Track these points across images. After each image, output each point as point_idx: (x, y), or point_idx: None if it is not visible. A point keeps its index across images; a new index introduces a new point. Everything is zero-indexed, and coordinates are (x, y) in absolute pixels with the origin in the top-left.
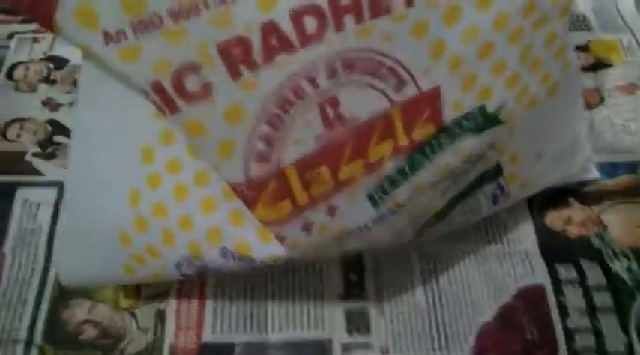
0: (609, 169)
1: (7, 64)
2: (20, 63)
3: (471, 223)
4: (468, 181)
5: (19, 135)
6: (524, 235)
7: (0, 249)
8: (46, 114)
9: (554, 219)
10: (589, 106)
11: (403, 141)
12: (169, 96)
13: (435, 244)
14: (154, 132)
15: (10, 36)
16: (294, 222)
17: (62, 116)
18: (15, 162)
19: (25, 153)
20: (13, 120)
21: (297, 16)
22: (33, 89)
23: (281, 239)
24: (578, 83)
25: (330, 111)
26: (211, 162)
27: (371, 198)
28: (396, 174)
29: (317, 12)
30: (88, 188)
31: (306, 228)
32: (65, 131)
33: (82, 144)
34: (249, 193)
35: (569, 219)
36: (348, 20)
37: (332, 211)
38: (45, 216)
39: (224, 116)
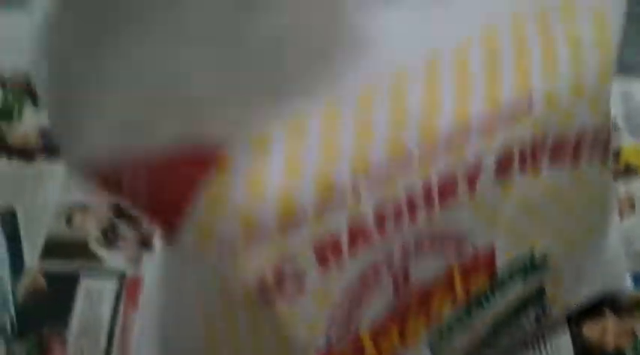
0: None
1: None
2: None
3: (515, 343)
4: (512, 309)
5: (83, 223)
6: (563, 346)
7: (63, 335)
8: (110, 203)
9: (590, 330)
10: (620, 214)
11: (461, 295)
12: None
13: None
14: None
15: None
16: None
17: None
18: (79, 250)
19: (88, 241)
20: (78, 208)
21: (379, 212)
22: None
23: None
24: (614, 201)
25: (400, 281)
26: (300, 335)
27: (431, 347)
28: (455, 323)
29: (395, 206)
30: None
31: None
32: (128, 220)
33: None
34: None
35: (605, 331)
36: (422, 210)
37: None
38: (106, 306)
39: (316, 299)
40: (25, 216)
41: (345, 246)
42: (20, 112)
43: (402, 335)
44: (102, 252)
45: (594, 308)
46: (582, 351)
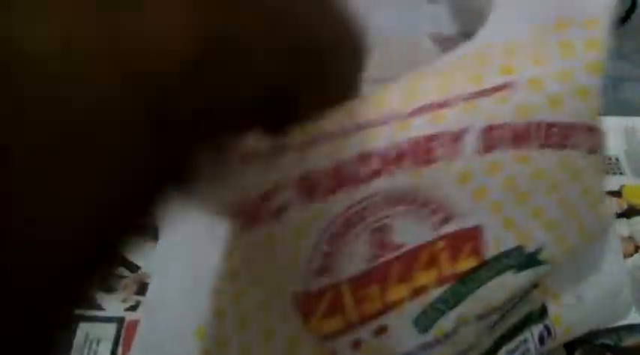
0: None
1: None
2: None
3: None
4: (513, 321)
5: None
6: None
7: None
8: None
9: None
10: (623, 255)
11: (447, 271)
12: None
13: None
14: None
15: None
16: (345, 339)
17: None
18: None
19: None
20: None
21: (362, 158)
22: None
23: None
24: (614, 233)
25: (380, 237)
26: (279, 273)
27: (417, 323)
28: (440, 302)
29: (378, 155)
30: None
31: (356, 345)
32: (126, 263)
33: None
34: (307, 304)
35: None
36: (404, 164)
37: (380, 331)
38: (105, 352)
39: (294, 232)
40: None
41: (327, 183)
42: None
43: (383, 299)
44: (101, 297)
45: (597, 352)
46: None
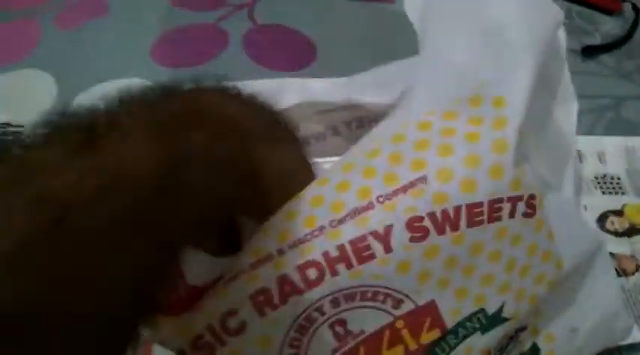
0: None
1: None
2: None
3: None
4: None
5: None
6: None
7: None
8: None
9: None
10: (625, 273)
11: (413, 346)
12: (218, 334)
13: None
14: None
15: None
16: None
17: None
18: None
19: None
20: None
21: (302, 270)
22: None
23: None
24: (602, 261)
25: (339, 329)
26: None
27: None
28: None
29: (315, 265)
30: None
31: None
32: None
33: None
34: None
35: None
36: (341, 268)
37: None
38: None
39: (257, 343)
40: None
41: (276, 297)
42: None
43: None
44: None
45: None
46: None
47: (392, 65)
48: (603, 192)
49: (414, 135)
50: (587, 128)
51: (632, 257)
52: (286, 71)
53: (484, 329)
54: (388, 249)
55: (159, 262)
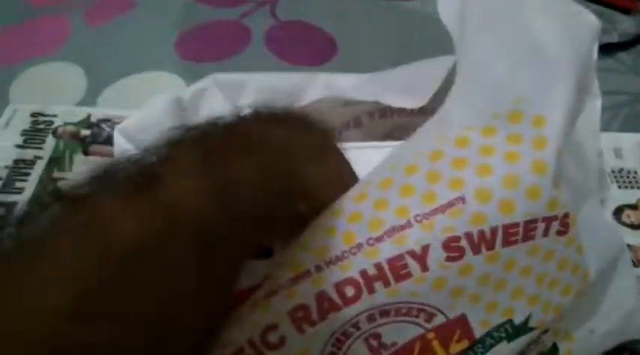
0: None
1: None
2: None
3: None
4: None
5: None
6: None
7: None
8: None
9: None
10: (637, 264)
11: None
12: (259, 347)
13: None
14: None
15: None
16: None
17: None
18: None
19: None
20: None
21: (339, 287)
22: None
23: None
24: (624, 263)
25: (373, 343)
26: None
27: None
28: None
29: (353, 283)
30: None
31: None
32: None
33: None
34: None
35: None
36: (378, 286)
37: None
38: None
39: None
40: None
41: (314, 313)
42: (71, 161)
43: None
44: None
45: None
46: None
47: (418, 65)
48: (619, 186)
49: (452, 152)
50: (603, 124)
51: None
52: (308, 66)
53: (510, 338)
54: (424, 269)
55: (221, 298)
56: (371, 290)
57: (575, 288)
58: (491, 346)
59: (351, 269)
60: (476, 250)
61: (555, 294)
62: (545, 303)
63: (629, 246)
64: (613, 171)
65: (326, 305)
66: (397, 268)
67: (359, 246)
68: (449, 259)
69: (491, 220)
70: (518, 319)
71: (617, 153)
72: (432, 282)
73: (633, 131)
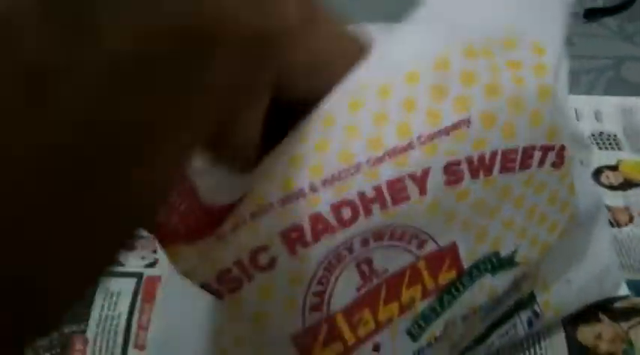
0: (639, 286)
1: None
2: None
3: (509, 346)
4: (503, 310)
5: None
6: (557, 350)
7: (83, 334)
8: None
9: (585, 334)
10: (618, 224)
11: (431, 286)
12: (247, 269)
13: None
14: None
15: None
16: None
17: None
18: None
19: None
20: None
21: (335, 208)
22: None
23: None
24: (602, 220)
25: (365, 268)
26: (276, 321)
27: (409, 333)
28: (429, 312)
29: (350, 204)
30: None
31: None
32: None
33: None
34: (306, 340)
35: (600, 335)
36: (376, 208)
37: (377, 347)
38: (124, 305)
39: (286, 280)
40: None
41: (308, 235)
42: None
43: (376, 319)
44: (121, 255)
45: (589, 313)
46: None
47: None
48: (599, 148)
49: (459, 64)
50: (586, 87)
51: (626, 209)
52: None
53: (494, 271)
54: (423, 192)
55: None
56: (368, 213)
57: (560, 227)
58: (477, 278)
59: (349, 190)
60: (474, 175)
61: (542, 230)
62: (533, 239)
63: (607, 206)
64: (593, 135)
65: (320, 227)
66: (396, 191)
67: (358, 167)
68: (447, 183)
69: (492, 144)
70: (504, 252)
71: (598, 116)
72: (428, 206)
73: (616, 95)
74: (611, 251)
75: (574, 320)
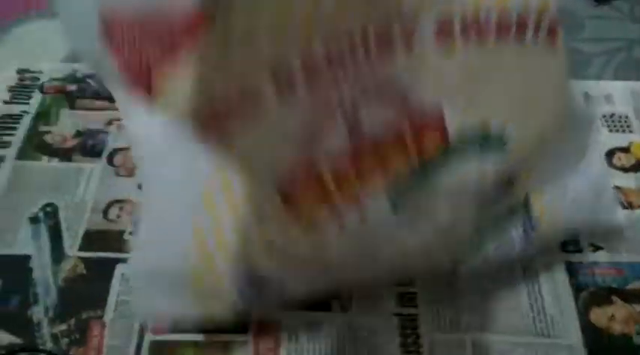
0: None
1: (108, 150)
2: (120, 149)
3: (507, 262)
4: (495, 212)
5: (118, 216)
6: (571, 331)
7: (101, 319)
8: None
9: (598, 315)
10: (631, 206)
11: (415, 153)
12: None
13: (486, 334)
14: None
15: (109, 122)
16: (332, 220)
17: None
18: (114, 240)
19: (123, 231)
20: (114, 202)
21: (327, 56)
22: (130, 174)
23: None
24: (597, 135)
25: (352, 124)
26: (266, 177)
27: (392, 201)
28: (412, 181)
29: (340, 53)
30: (158, 233)
31: (341, 225)
32: None
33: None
34: (292, 190)
35: (613, 317)
36: (362, 61)
37: (361, 209)
38: None
39: (272, 127)
40: (66, 211)
41: (299, 79)
42: (57, 115)
43: (360, 179)
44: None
45: (602, 295)
46: (590, 336)
47: None
48: (610, 130)
49: None
50: (597, 70)
51: (638, 191)
52: None
53: (483, 149)
54: (410, 46)
55: None
56: (356, 62)
57: (554, 116)
58: (463, 151)
59: (338, 30)
60: (462, 35)
61: (534, 114)
62: (522, 122)
63: (619, 188)
64: (604, 116)
65: (312, 72)
66: (384, 39)
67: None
68: (438, 40)
69: (489, 6)
70: (493, 126)
71: (609, 98)
72: (416, 64)
73: (627, 78)
74: (606, 169)
75: (586, 303)
